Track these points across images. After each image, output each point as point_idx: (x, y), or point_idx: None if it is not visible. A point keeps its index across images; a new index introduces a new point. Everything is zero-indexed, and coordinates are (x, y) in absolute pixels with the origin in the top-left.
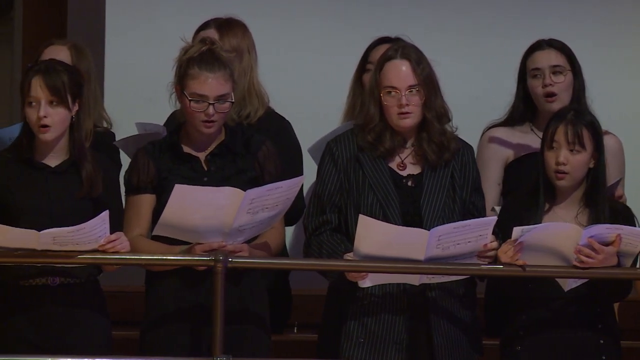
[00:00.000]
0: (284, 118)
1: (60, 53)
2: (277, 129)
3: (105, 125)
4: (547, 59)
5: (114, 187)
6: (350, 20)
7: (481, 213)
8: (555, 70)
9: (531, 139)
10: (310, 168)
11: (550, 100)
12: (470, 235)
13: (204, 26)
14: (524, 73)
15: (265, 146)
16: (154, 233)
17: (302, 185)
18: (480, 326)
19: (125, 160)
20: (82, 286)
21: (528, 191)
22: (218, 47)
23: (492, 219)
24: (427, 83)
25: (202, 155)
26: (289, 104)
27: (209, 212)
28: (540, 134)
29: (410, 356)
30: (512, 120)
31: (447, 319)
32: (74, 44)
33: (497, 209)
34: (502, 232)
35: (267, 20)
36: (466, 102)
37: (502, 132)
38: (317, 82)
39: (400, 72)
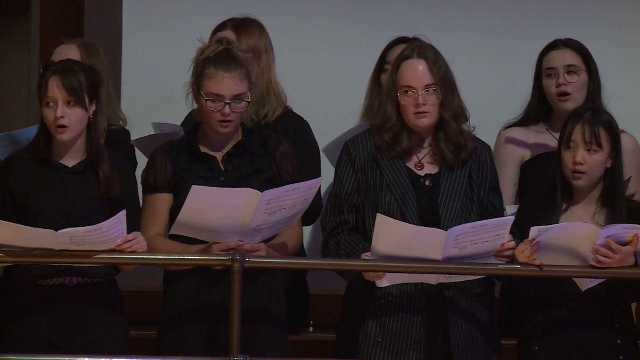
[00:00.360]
0: (302, 118)
1: (70, 52)
2: (295, 129)
3: (120, 123)
4: (562, 58)
5: (131, 186)
6: (364, 21)
7: (499, 213)
8: (570, 70)
9: (546, 138)
10: (328, 168)
11: (563, 100)
12: (487, 235)
13: (221, 27)
14: (540, 73)
15: (282, 146)
16: (172, 233)
17: (320, 186)
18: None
19: (141, 159)
20: (100, 286)
21: (545, 191)
22: (235, 47)
23: (509, 219)
24: (444, 83)
25: (219, 155)
26: (299, 104)
27: (226, 212)
28: (555, 134)
29: (429, 356)
30: (527, 120)
31: (465, 318)
32: (84, 43)
33: (509, 208)
34: (519, 232)
35: (280, 19)
36: (482, 102)
37: (518, 133)
38: (327, 82)
39: (417, 71)
